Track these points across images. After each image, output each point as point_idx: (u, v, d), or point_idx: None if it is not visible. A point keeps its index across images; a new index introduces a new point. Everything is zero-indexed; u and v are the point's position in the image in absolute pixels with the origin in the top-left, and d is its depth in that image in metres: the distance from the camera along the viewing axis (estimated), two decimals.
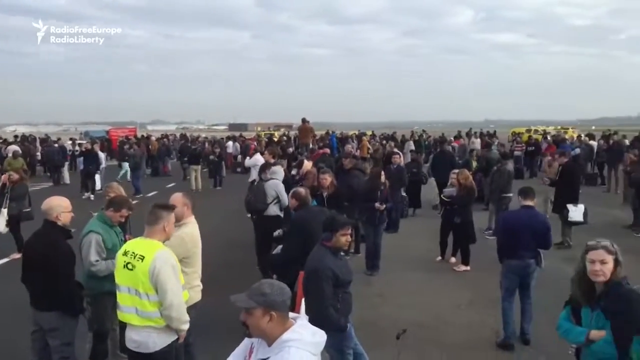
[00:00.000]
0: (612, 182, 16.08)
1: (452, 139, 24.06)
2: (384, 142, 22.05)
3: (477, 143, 21.99)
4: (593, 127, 47.24)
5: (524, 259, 5.40)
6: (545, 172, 12.40)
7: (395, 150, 14.01)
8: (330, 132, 30.54)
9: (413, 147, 20.90)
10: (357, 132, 34.84)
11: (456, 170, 8.67)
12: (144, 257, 3.48)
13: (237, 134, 36.25)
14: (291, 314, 2.32)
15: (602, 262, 2.82)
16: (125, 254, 3.57)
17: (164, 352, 3.56)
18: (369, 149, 20.97)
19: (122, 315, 3.64)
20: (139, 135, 35.67)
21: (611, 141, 17.63)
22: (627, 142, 17.01)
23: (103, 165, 18.01)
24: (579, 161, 15.03)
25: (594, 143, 19.14)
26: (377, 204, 7.94)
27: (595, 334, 2.82)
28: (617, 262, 2.85)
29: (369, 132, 35.78)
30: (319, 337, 2.28)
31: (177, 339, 3.67)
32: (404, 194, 12.15)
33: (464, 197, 8.18)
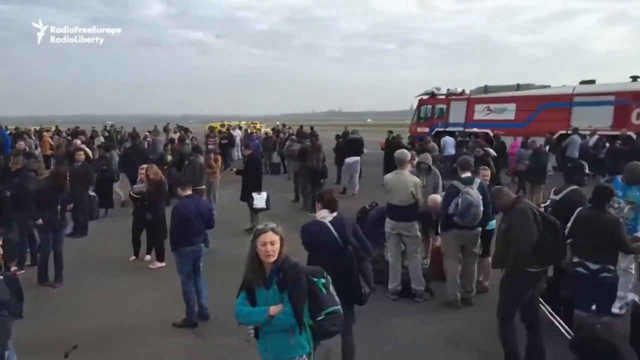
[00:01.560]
0: (290, 170, 18.30)
1: (147, 133, 23.40)
2: (69, 137, 19.91)
3: (176, 137, 21.93)
4: (277, 123, 52.99)
5: (197, 243, 5.88)
6: (210, 167, 13.03)
7: (81, 146, 12.73)
8: (3, 127, 26.27)
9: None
10: (38, 127, 30.64)
11: (144, 166, 8.39)
12: None
13: None
14: None
15: (272, 243, 3.08)
16: None
17: None
18: (51, 145, 18.67)
19: None
20: None
21: (286, 134, 20.05)
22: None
23: None
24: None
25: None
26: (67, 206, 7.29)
27: (274, 309, 3.06)
28: (282, 240, 3.15)
29: (53, 127, 31.90)
30: None
31: None
32: (92, 193, 11.19)
33: (154, 192, 7.96)
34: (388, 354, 5.12)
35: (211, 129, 34.21)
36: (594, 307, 4.87)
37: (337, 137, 17.99)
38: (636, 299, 4.74)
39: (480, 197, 5.92)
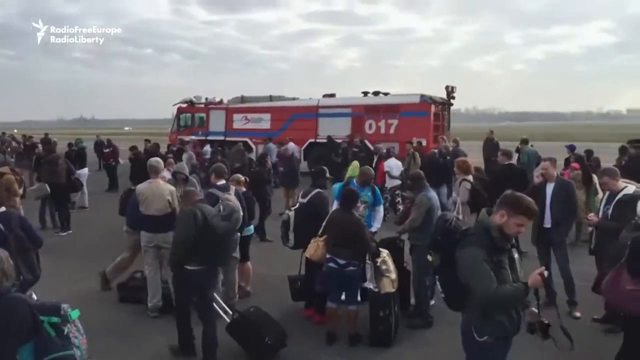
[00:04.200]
0: None
1: None
2: None
3: None
4: (15, 130, 46.68)
5: None
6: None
7: None
8: None
9: None
10: None
11: None
12: None
13: None
14: None
15: None
16: None
17: None
18: None
19: None
20: None
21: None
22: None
23: None
24: None
25: None
26: None
27: None
28: None
29: None
30: None
31: None
32: None
33: None
34: None
35: None
36: (343, 297, 5.42)
37: (70, 145, 16.27)
38: (371, 287, 5.43)
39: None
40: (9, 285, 2.70)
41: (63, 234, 10.50)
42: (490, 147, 16.92)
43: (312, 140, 19.64)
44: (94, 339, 2.89)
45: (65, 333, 2.71)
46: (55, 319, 2.69)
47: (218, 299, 5.60)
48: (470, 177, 6.93)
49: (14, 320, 2.57)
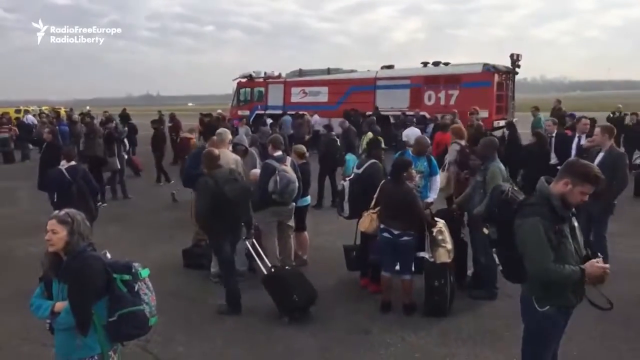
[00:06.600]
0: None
1: None
2: None
3: None
4: (88, 107, 48.85)
5: None
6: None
7: None
8: None
9: None
10: None
11: None
12: None
13: None
14: None
15: (53, 232, 2.83)
16: None
17: None
18: None
19: None
20: None
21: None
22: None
23: None
24: None
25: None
26: None
27: (59, 305, 2.79)
28: (73, 232, 2.85)
29: None
30: None
31: None
32: None
33: None
34: (211, 338, 5.05)
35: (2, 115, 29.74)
36: (397, 267, 5.43)
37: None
38: (426, 257, 5.39)
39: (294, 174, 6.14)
40: (85, 244, 2.91)
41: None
42: (557, 118, 16.15)
43: (369, 112, 19.44)
44: (159, 299, 3.05)
45: (135, 290, 2.86)
46: (126, 277, 2.85)
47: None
48: (462, 142, 7.50)
49: (89, 277, 2.76)
